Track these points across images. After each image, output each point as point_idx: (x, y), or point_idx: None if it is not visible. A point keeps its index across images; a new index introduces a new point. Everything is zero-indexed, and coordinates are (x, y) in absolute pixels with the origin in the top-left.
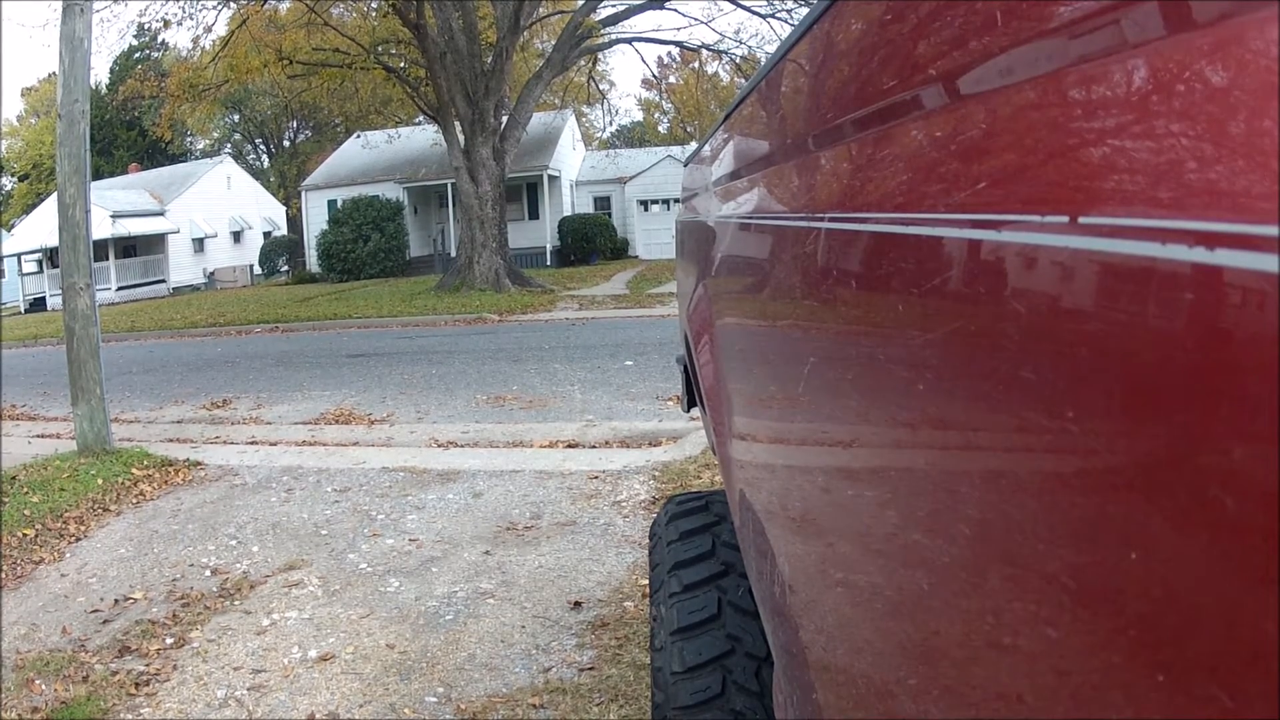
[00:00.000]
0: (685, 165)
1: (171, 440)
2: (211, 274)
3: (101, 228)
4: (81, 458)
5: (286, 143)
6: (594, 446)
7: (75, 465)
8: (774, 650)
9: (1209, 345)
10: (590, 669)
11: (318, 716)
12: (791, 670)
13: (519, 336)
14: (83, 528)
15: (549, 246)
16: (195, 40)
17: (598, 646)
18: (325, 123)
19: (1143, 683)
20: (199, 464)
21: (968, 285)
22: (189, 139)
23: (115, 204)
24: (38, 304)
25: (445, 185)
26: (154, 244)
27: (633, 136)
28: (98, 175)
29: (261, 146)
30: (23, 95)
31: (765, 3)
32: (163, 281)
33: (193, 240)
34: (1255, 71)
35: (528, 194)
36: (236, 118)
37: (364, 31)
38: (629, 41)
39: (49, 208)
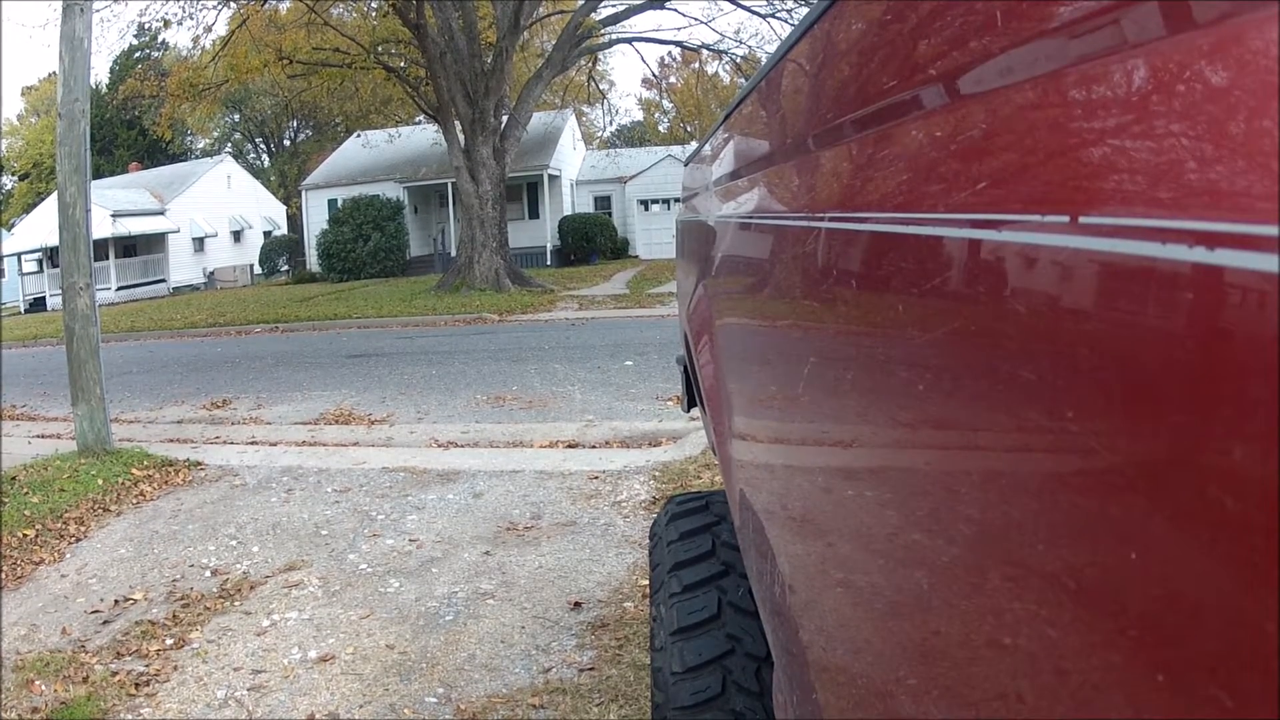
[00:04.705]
0: (685, 165)
1: (171, 440)
2: (211, 273)
3: (101, 227)
4: (81, 458)
5: (286, 142)
6: (594, 446)
7: (75, 465)
8: (774, 650)
9: (1209, 345)
10: (590, 669)
11: (318, 717)
12: (791, 670)
13: (519, 336)
14: (83, 528)
15: (549, 246)
16: (195, 40)
17: (598, 647)
18: (325, 122)
19: (1143, 683)
20: (199, 464)
21: (968, 285)
22: (189, 138)
23: (115, 203)
24: (38, 304)
25: (445, 185)
26: (154, 243)
27: (633, 136)
28: (98, 174)
29: (261, 146)
30: (23, 94)
31: (765, 3)
32: (163, 281)
33: (193, 240)
34: (1255, 71)
35: (528, 194)
36: (236, 117)
37: (364, 31)
38: (629, 41)
39: (49, 207)
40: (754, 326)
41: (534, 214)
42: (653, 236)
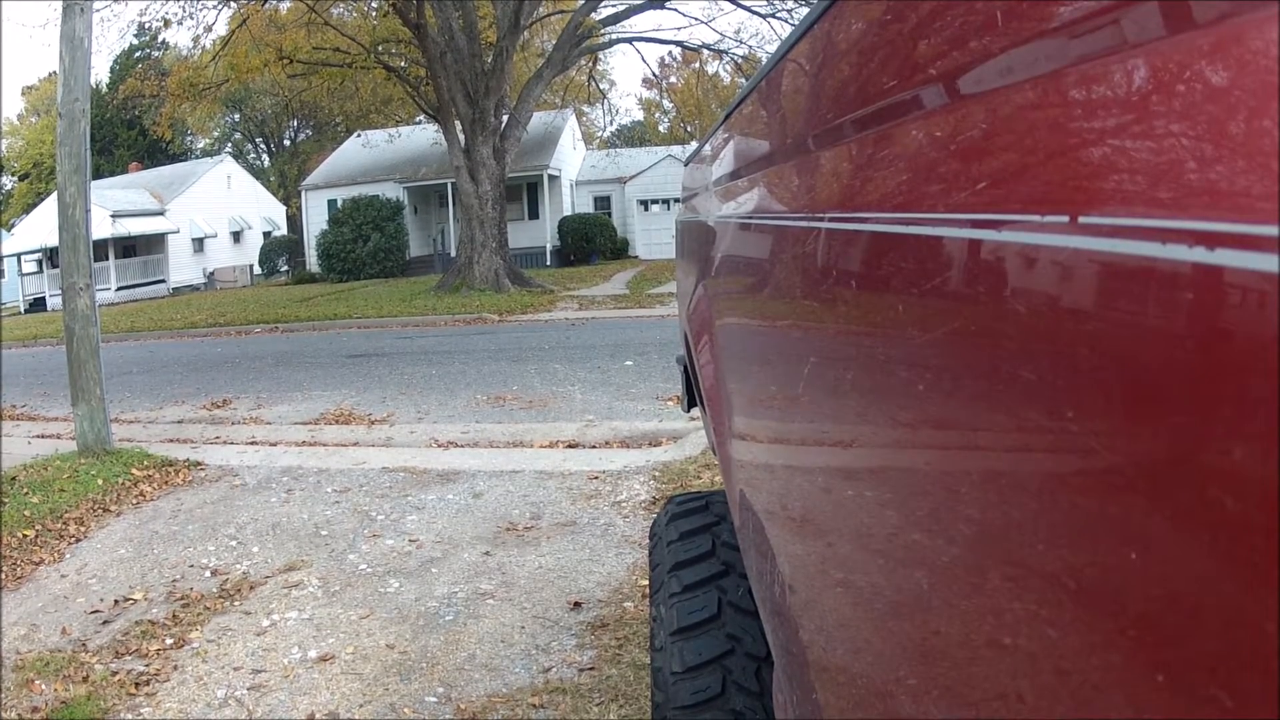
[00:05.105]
0: (685, 165)
1: (171, 440)
2: (211, 274)
3: (101, 227)
4: (81, 458)
5: (286, 142)
6: (594, 446)
7: (75, 466)
8: (774, 650)
9: (1209, 345)
10: (590, 669)
11: (318, 716)
12: (791, 670)
13: (519, 337)
14: (83, 528)
15: (549, 246)
16: (195, 39)
17: (598, 647)
18: (325, 122)
19: (1143, 683)
20: (199, 464)
21: (968, 285)
22: (189, 138)
23: (115, 203)
24: (38, 304)
25: (445, 185)
26: (154, 244)
27: (633, 136)
28: (98, 174)
29: (261, 146)
30: (23, 94)
31: (765, 3)
32: (163, 281)
33: (193, 240)
34: (1255, 71)
35: (528, 194)
36: (236, 117)
37: (364, 31)
38: (629, 41)
39: (49, 207)
40: (754, 327)
41: (534, 214)
42: (653, 236)
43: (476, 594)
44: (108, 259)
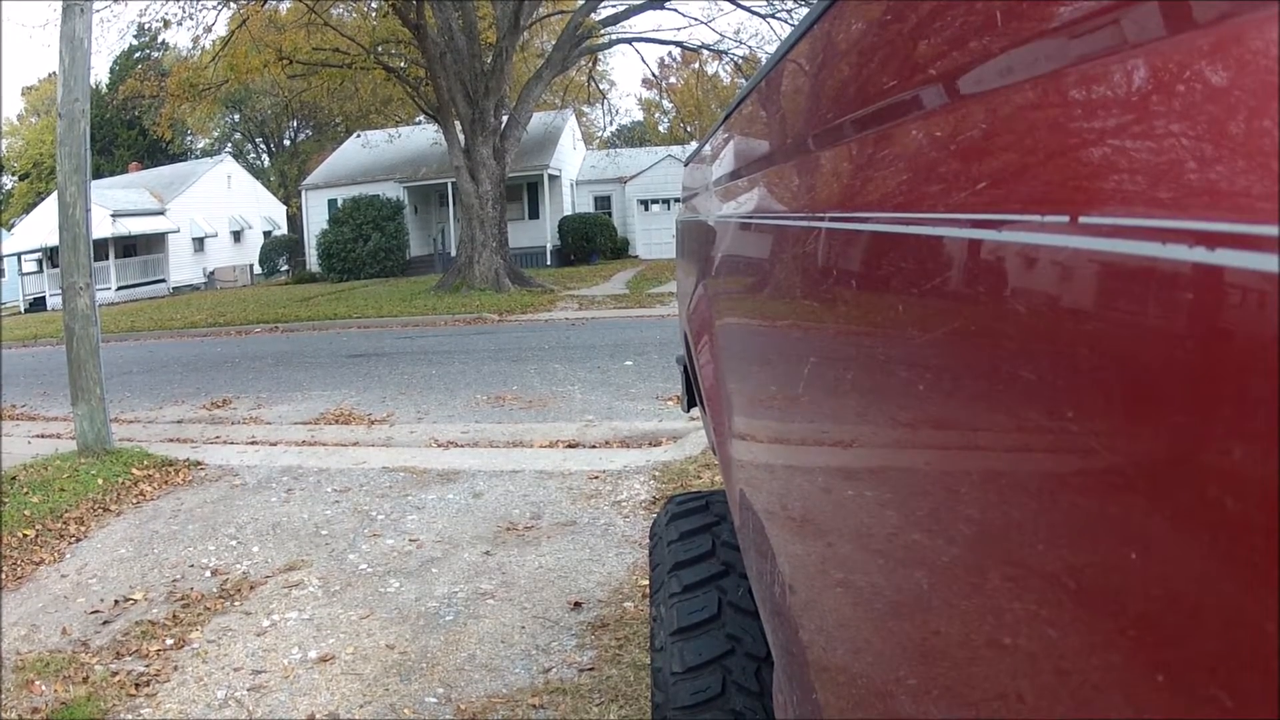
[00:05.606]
0: (685, 165)
1: (172, 440)
2: (211, 273)
3: (101, 227)
4: (81, 458)
5: (286, 142)
6: (594, 446)
7: (75, 465)
8: (774, 650)
9: (1209, 345)
10: (590, 669)
11: (318, 717)
12: (791, 670)
13: (519, 336)
14: (83, 528)
15: (549, 246)
16: (195, 40)
17: (598, 647)
18: (325, 122)
19: (1143, 683)
20: (199, 464)
21: (968, 285)
22: (189, 138)
23: (115, 203)
24: (38, 304)
25: (445, 185)
26: (154, 243)
27: (633, 136)
28: (98, 174)
29: (261, 146)
30: (23, 94)
31: (765, 3)
32: (163, 281)
33: (193, 240)
34: (1255, 71)
35: (528, 193)
36: (236, 117)
37: (364, 31)
38: (629, 41)
39: (49, 207)
40: (754, 326)
41: (534, 214)
42: (653, 236)
43: (476, 594)
44: (108, 259)
